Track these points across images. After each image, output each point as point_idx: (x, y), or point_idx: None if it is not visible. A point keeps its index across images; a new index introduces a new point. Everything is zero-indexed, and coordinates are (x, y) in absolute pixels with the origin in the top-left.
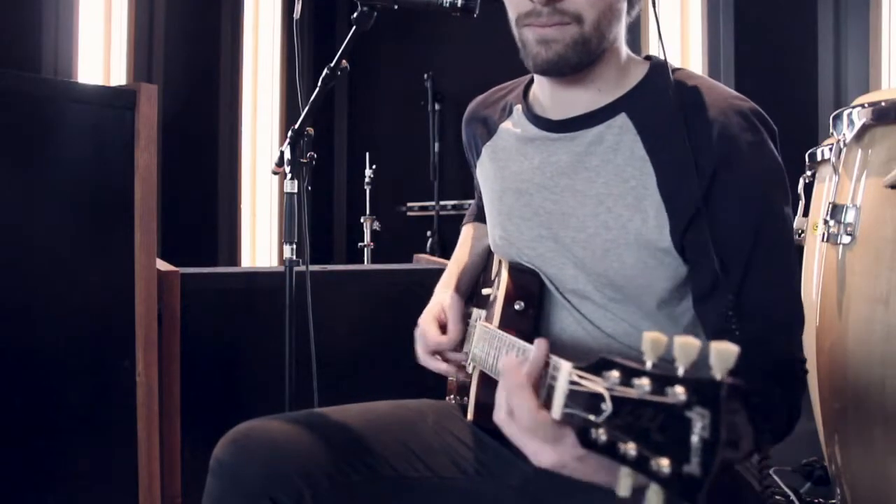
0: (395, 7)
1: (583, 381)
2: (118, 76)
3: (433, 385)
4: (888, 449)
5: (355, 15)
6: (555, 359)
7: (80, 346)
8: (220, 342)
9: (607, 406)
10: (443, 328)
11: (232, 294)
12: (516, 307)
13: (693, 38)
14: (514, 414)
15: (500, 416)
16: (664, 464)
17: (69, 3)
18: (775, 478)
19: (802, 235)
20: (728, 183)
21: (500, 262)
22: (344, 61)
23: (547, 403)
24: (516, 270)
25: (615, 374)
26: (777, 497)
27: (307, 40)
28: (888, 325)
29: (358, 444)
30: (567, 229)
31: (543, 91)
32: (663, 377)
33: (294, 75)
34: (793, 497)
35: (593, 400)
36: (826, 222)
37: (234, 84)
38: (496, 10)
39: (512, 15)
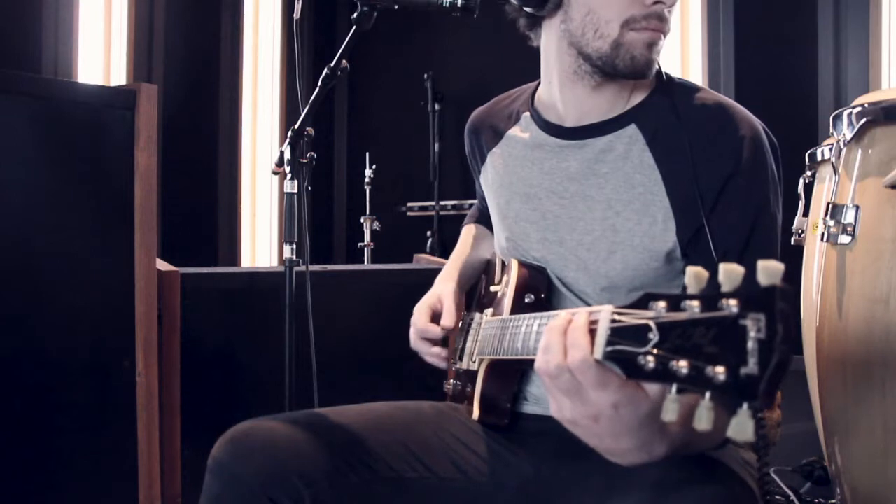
0: (395, 7)
1: (624, 318)
2: (118, 76)
3: (433, 385)
4: (888, 449)
5: (355, 15)
6: (594, 307)
7: (81, 346)
8: (220, 342)
9: (654, 334)
10: (436, 318)
11: (232, 294)
12: (526, 300)
13: (693, 37)
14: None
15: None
16: (719, 371)
17: (69, 3)
18: (775, 478)
19: (802, 235)
20: (732, 194)
21: (503, 263)
22: (344, 61)
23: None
24: (526, 266)
25: (661, 303)
26: (777, 497)
27: (307, 40)
28: (888, 325)
29: (357, 444)
30: (574, 232)
31: (567, 96)
32: (715, 295)
33: (294, 75)
34: (793, 497)
35: (638, 332)
36: (826, 222)
37: (234, 84)
38: (496, 10)
39: (614, 16)
